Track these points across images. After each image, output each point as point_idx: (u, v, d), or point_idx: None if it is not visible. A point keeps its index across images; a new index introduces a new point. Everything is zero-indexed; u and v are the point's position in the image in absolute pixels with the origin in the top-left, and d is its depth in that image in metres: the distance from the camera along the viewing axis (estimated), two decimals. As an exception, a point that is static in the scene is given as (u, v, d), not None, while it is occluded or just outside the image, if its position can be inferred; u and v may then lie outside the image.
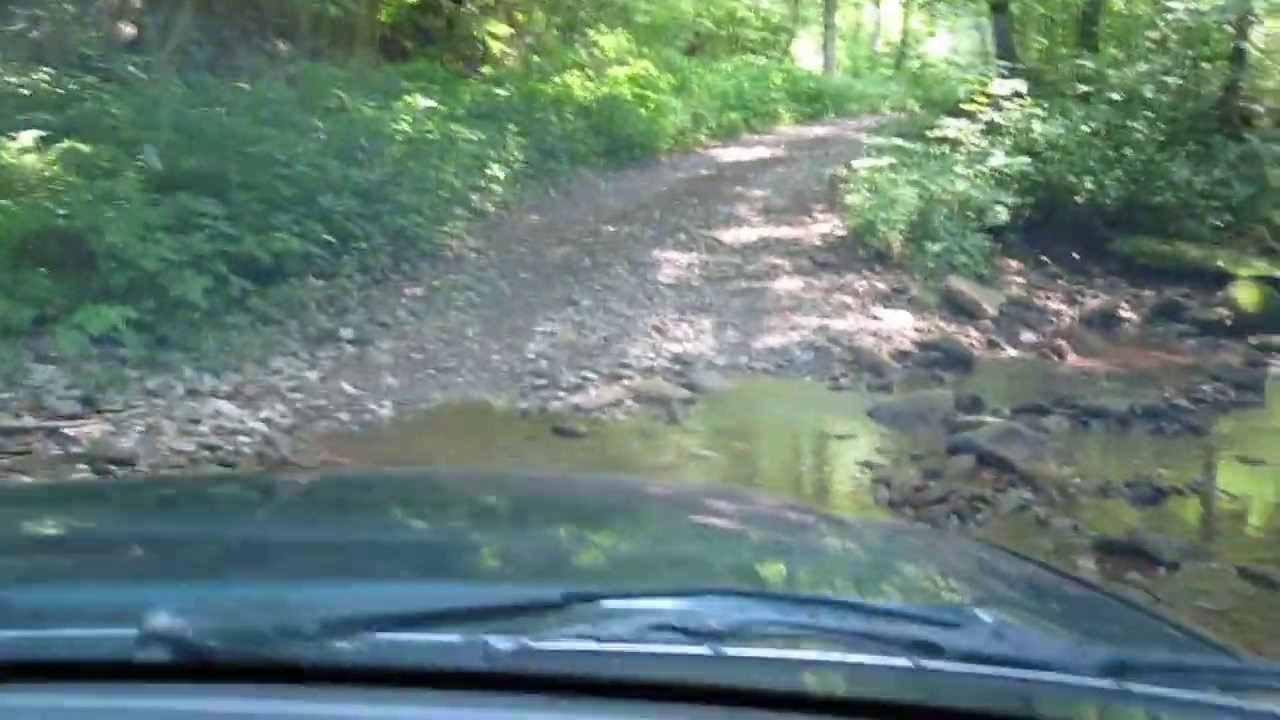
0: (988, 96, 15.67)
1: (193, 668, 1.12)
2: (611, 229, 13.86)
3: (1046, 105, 15.49)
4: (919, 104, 33.23)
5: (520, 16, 22.95)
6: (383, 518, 2.32)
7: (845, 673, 1.24)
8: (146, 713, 1.14)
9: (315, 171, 11.60)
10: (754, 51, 34.10)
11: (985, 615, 1.49)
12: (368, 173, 12.24)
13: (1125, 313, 12.77)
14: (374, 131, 13.33)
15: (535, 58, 21.88)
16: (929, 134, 15.59)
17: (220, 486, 3.09)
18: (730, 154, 21.03)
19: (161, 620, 1.13)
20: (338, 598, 1.45)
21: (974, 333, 11.48)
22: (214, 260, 9.40)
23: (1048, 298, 13.16)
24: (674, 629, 1.22)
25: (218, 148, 11.32)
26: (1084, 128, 15.03)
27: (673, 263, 12.62)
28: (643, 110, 20.61)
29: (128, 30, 18.64)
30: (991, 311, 11.89)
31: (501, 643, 1.15)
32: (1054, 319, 12.56)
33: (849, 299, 11.72)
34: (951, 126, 15.31)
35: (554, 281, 11.81)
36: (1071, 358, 11.02)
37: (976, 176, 13.90)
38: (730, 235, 13.81)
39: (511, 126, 16.23)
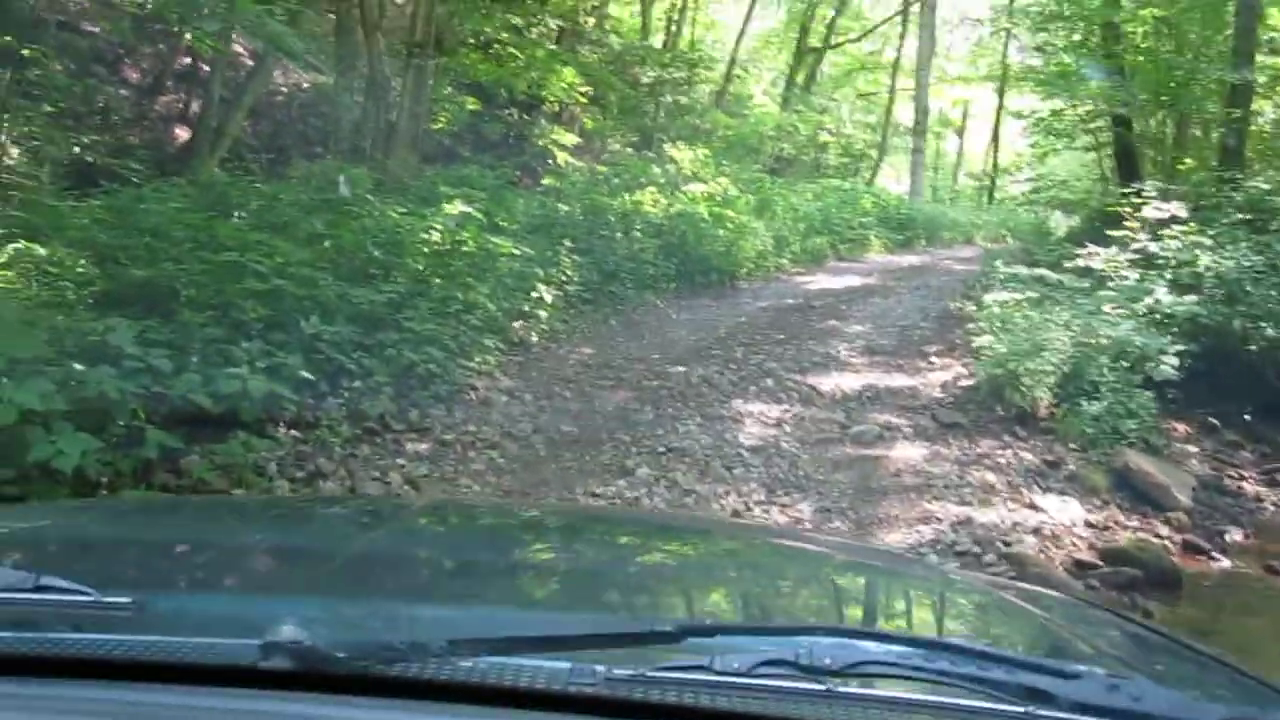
0: (1140, 221, 12.60)
1: (315, 678, 1.15)
2: (681, 370, 10.79)
3: (1212, 233, 12.39)
4: (1012, 236, 30.53)
5: (588, 123, 20.31)
6: (500, 544, 2.34)
7: (958, 716, 1.19)
8: (271, 715, 1.16)
9: (302, 287, 8.74)
10: (838, 177, 31.44)
11: (1099, 668, 1.38)
12: (374, 291, 9.35)
13: (1347, 500, 9.50)
14: (393, 240, 10.48)
15: (603, 169, 19.11)
16: (1067, 264, 12.53)
17: (339, 507, 3.29)
18: (818, 282, 18.05)
19: (286, 631, 1.17)
20: (460, 619, 1.49)
21: (1165, 530, 8.28)
22: (123, 407, 6.49)
23: (1241, 477, 9.93)
24: (788, 664, 1.21)
25: (175, 255, 8.55)
26: (1254, 259, 11.90)
27: (757, 418, 9.52)
28: (720, 231, 17.72)
29: (182, 134, 16.59)
30: (1183, 500, 8.68)
31: (618, 670, 1.17)
32: (1255, 507, 9.34)
33: (992, 476, 8.55)
34: (1097, 255, 12.23)
35: (604, 439, 8.75)
36: (1316, 576, 7.79)
37: (1131, 317, 10.80)
38: (828, 383, 10.69)
39: (567, 242, 13.34)
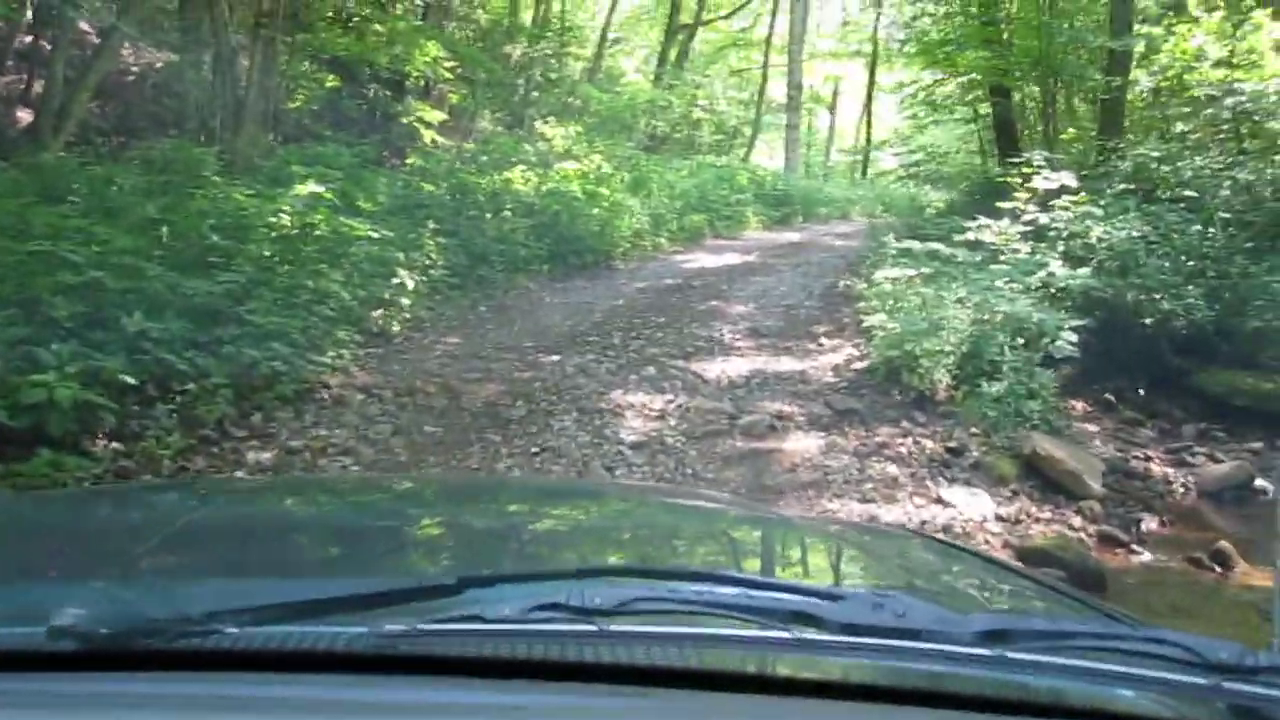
0: (1030, 192, 11.98)
1: (101, 656, 1.14)
2: (555, 359, 9.89)
3: (1102, 204, 11.81)
4: (888, 211, 30.11)
5: (453, 98, 19.25)
6: (294, 519, 2.29)
7: (725, 646, 1.22)
8: (61, 695, 1.14)
9: (125, 279, 7.69)
10: (713, 154, 30.73)
11: (866, 589, 1.54)
12: (211, 281, 8.32)
13: (1261, 480, 8.91)
14: (237, 225, 9.43)
15: (470, 147, 18.11)
16: (956, 238, 11.86)
17: (152, 493, 3.19)
18: (697, 260, 17.24)
19: (67, 616, 1.14)
20: (242, 590, 1.37)
21: (1079, 521, 7.60)
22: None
23: (1148, 457, 9.32)
24: (559, 606, 1.19)
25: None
26: (1144, 230, 11.36)
27: (639, 410, 8.65)
28: (595, 209, 16.84)
29: (25, 117, 15.21)
30: (1094, 487, 8.00)
31: (391, 626, 1.15)
32: (1165, 491, 8.73)
33: (894, 469, 7.79)
34: (988, 227, 11.57)
35: (472, 440, 7.82)
36: (1241, 568, 7.13)
37: (1026, 292, 10.15)
38: (714, 369, 9.87)
39: (431, 224, 12.36)
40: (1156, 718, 1.21)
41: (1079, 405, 10.11)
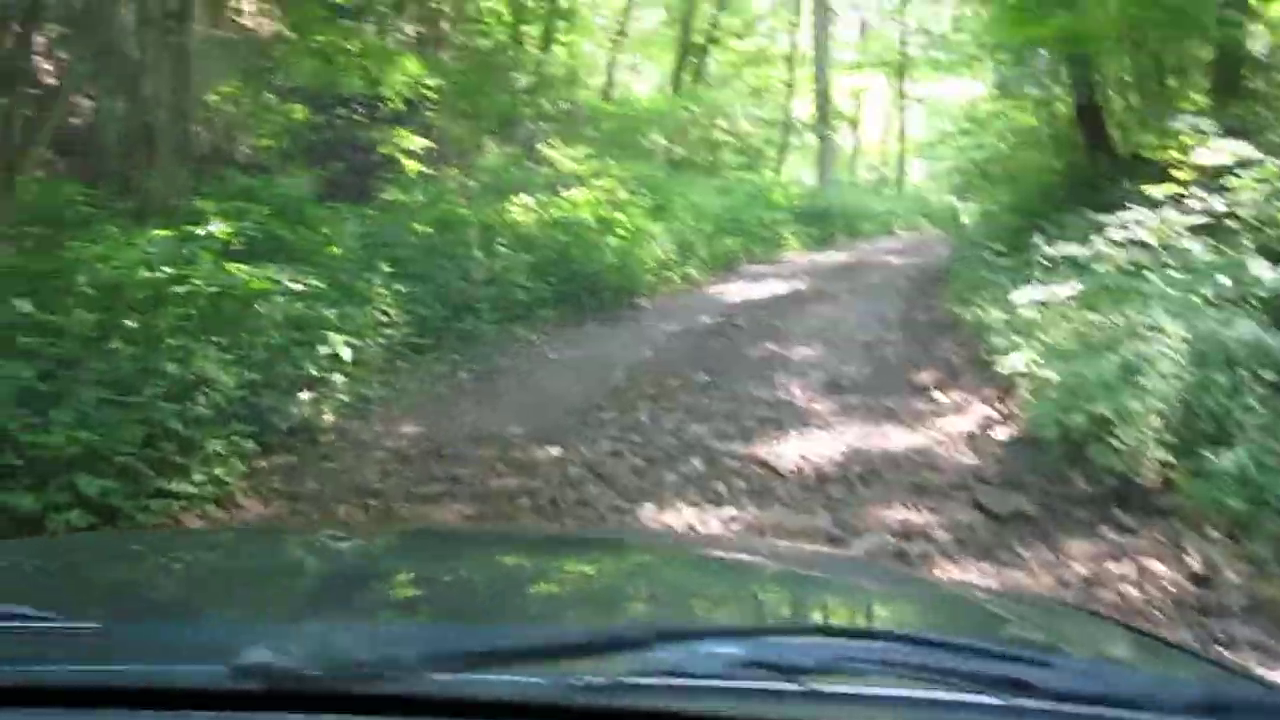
0: (1193, 168, 8.49)
1: (287, 698, 1.07)
2: (556, 454, 6.37)
3: (1296, 179, 8.31)
4: (930, 223, 26.59)
5: (433, 119, 15.87)
6: (469, 564, 2.15)
7: (938, 711, 1.12)
8: None
9: None
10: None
11: (1075, 654, 1.44)
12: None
13: None
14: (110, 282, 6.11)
15: (454, 174, 14.77)
16: (1094, 238, 8.38)
17: (305, 534, 3.06)
18: (737, 292, 13.85)
19: (255, 653, 1.08)
20: (433, 634, 1.37)
21: None
22: None
23: None
24: (764, 665, 1.12)
25: None
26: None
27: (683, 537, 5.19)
28: (611, 239, 13.47)
29: None
30: None
31: (593, 678, 1.09)
32: None
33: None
34: (1142, 221, 8.08)
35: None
36: None
37: (1219, 304, 6.67)
38: (789, 453, 6.32)
39: (384, 266, 8.94)
40: None
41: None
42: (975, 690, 1.11)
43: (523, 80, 21.26)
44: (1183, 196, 8.32)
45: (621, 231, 13.91)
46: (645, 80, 33.77)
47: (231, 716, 1.09)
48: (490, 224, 12.43)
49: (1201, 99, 11.04)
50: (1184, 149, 8.75)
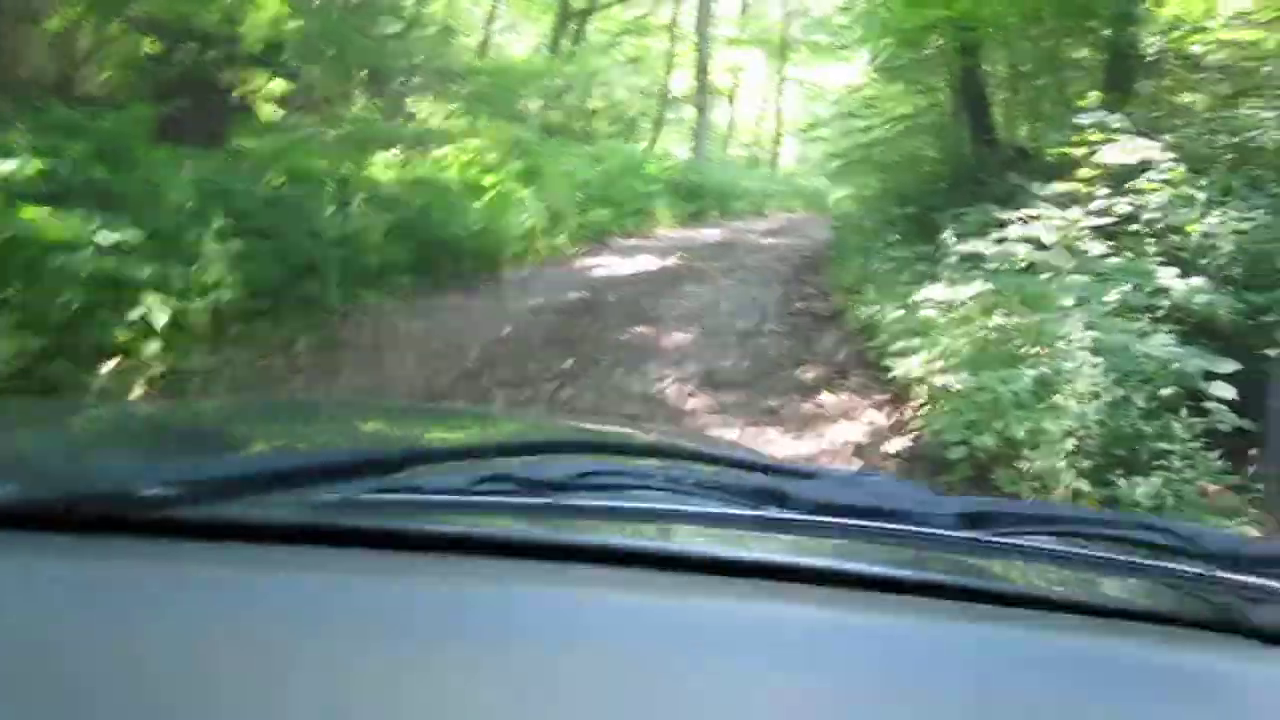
0: (1096, 168, 7.95)
1: (26, 518, 1.01)
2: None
3: (1203, 184, 7.81)
4: (804, 206, 26.10)
5: (297, 65, 14.70)
6: (243, 415, 2.14)
7: (686, 522, 1.09)
8: None
9: None
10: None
11: (837, 468, 1.67)
12: None
13: None
14: None
15: (310, 124, 13.67)
16: (993, 235, 7.78)
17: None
18: (607, 266, 13.03)
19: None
20: (167, 466, 1.25)
21: None
22: None
23: None
24: (507, 479, 1.09)
25: None
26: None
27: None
28: (478, 203, 12.57)
29: None
30: None
31: (327, 497, 1.06)
32: None
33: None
34: (1046, 220, 7.49)
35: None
36: None
37: (1127, 315, 6.09)
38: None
39: (217, 220, 7.91)
40: (1142, 605, 1.04)
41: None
42: (728, 502, 1.08)
43: (394, 29, 20.13)
44: (1085, 196, 7.80)
45: (490, 195, 13.01)
46: (523, 42, 32.71)
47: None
48: (348, 179, 11.44)
49: (1096, 95, 10.53)
50: (1087, 146, 8.22)
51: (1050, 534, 1.10)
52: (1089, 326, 5.48)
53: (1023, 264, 6.80)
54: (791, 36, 34.30)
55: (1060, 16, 12.77)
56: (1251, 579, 1.03)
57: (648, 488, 1.12)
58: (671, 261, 13.47)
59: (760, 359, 7.87)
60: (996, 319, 5.81)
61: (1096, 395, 5.02)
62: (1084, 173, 7.76)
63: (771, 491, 1.09)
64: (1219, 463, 5.09)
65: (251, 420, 2.05)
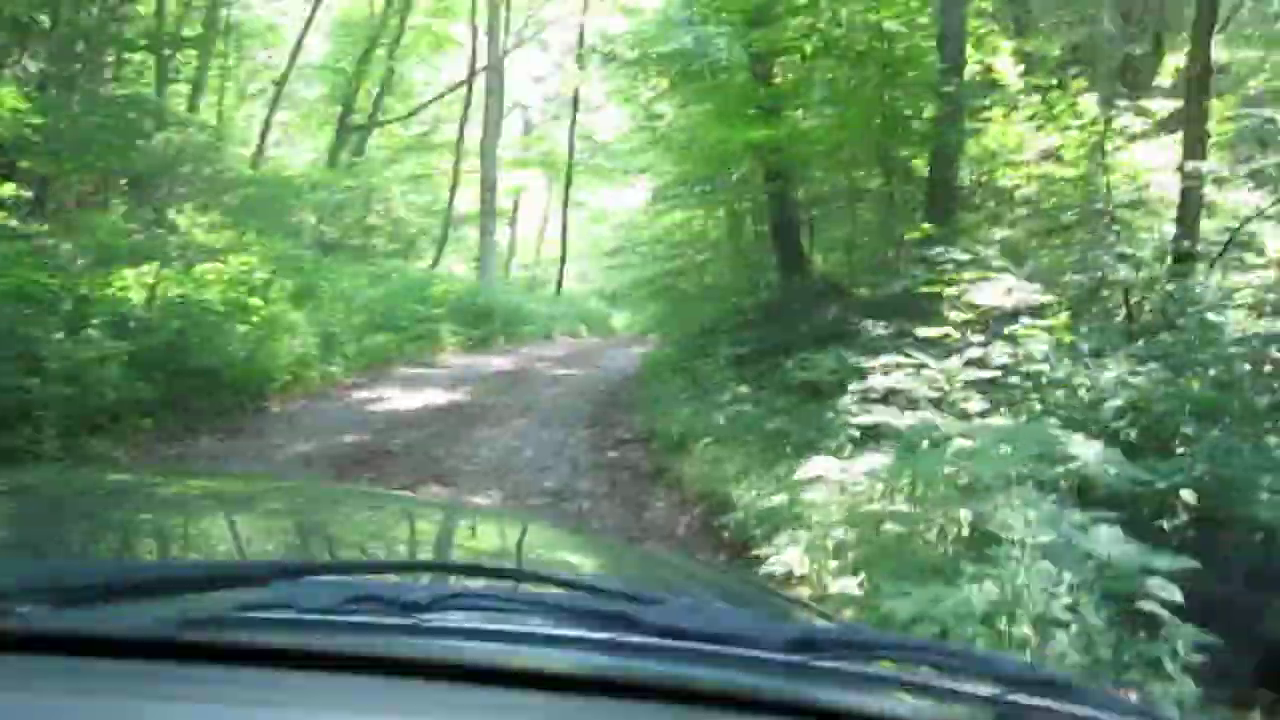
0: (968, 309, 6.87)
1: None
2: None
3: (1084, 331, 6.81)
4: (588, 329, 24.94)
5: (37, 169, 12.63)
6: (109, 512, 1.96)
7: (543, 644, 1.10)
8: None
9: None
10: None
11: (681, 596, 1.42)
12: None
13: None
14: None
15: (54, 233, 11.66)
16: (851, 386, 6.55)
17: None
18: (388, 400, 11.40)
19: None
20: (35, 569, 1.23)
21: None
22: None
23: None
24: (376, 599, 1.08)
25: None
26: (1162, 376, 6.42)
27: None
28: (241, 326, 10.82)
29: None
30: None
31: (197, 613, 1.02)
32: None
33: None
34: (926, 368, 6.30)
35: None
36: None
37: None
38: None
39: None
40: None
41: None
42: (581, 625, 1.10)
43: (159, 137, 18.14)
44: (954, 342, 6.69)
45: (255, 318, 11.27)
46: (301, 156, 30.93)
47: None
48: (87, 299, 9.59)
49: (926, 227, 9.59)
50: (949, 286, 7.15)
51: (870, 658, 1.13)
52: (1028, 519, 4.21)
53: (901, 426, 5.54)
54: (576, 160, 33.44)
55: (877, 136, 11.94)
56: (1038, 701, 1.09)
57: (509, 610, 1.12)
58: (461, 395, 11.92)
59: (579, 530, 6.39)
60: (900, 505, 4.50)
61: (1062, 624, 3.73)
62: (954, 315, 6.64)
63: (623, 616, 1.10)
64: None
65: (84, 503, 1.96)
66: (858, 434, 5.51)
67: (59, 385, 7.63)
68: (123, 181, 17.65)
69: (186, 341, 9.90)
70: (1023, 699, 1.09)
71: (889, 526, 4.37)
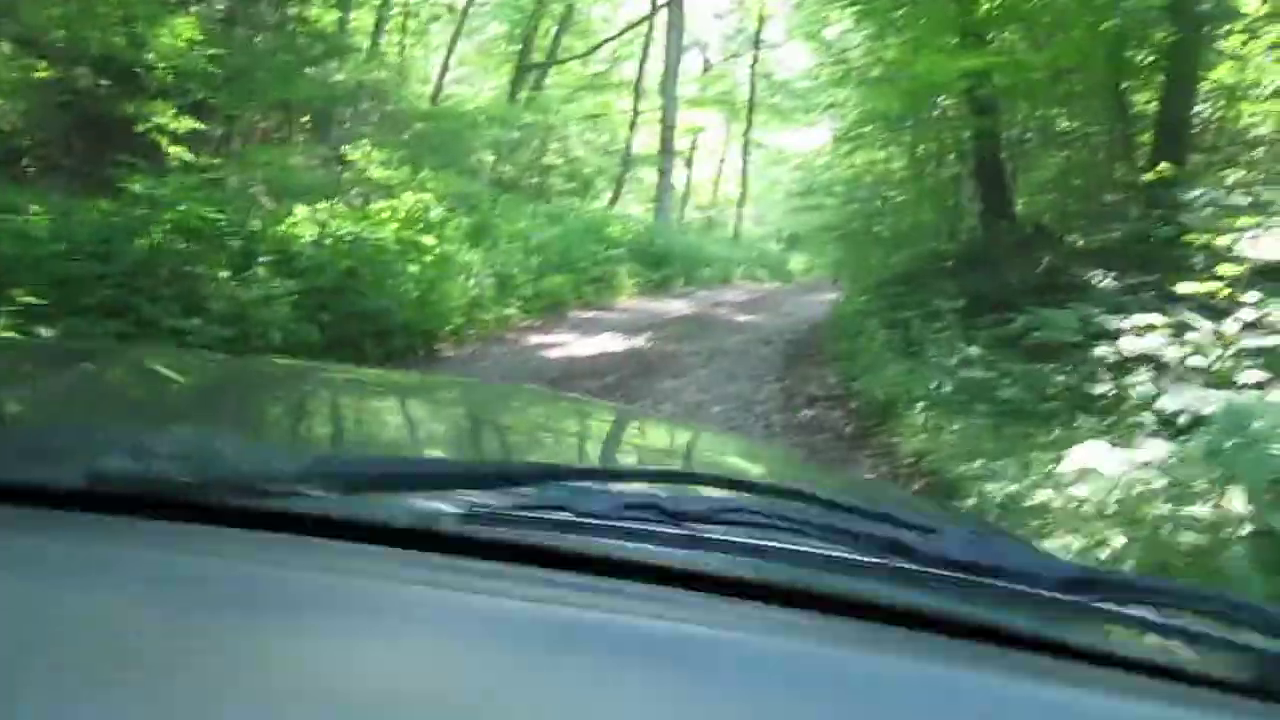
0: (1236, 264, 5.76)
1: (154, 505, 0.97)
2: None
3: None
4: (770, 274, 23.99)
5: (215, 102, 12.23)
6: (362, 401, 2.04)
7: (818, 565, 1.04)
8: (104, 543, 0.93)
9: None
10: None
11: (956, 525, 1.34)
12: None
13: None
14: None
15: (231, 168, 11.29)
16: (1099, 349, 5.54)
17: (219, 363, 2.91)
18: (563, 345, 10.74)
19: (114, 459, 0.98)
20: (319, 457, 1.15)
21: None
22: None
23: None
24: (651, 508, 1.04)
25: None
26: None
27: None
28: (414, 267, 10.26)
29: None
30: None
31: (479, 507, 1.01)
32: None
33: None
34: (1193, 335, 5.26)
35: None
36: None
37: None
38: None
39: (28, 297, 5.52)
40: (1223, 679, 0.98)
41: None
42: (854, 548, 1.04)
43: (340, 74, 17.77)
44: (1222, 301, 5.62)
45: (429, 258, 10.70)
46: (481, 95, 30.57)
47: (93, 521, 0.95)
48: (256, 235, 9.12)
49: (1166, 166, 8.38)
50: (1219, 232, 6.04)
51: (1150, 603, 1.04)
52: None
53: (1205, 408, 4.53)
54: (755, 99, 32.32)
55: (1102, 70, 10.66)
56: None
57: (782, 528, 1.06)
58: (641, 342, 11.17)
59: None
60: (1198, 508, 3.53)
61: None
62: (1226, 269, 5.54)
63: (898, 543, 1.03)
64: None
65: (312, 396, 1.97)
66: (1148, 414, 4.49)
67: (219, 326, 7.11)
68: (304, 119, 17.44)
69: (357, 281, 9.38)
70: None
71: (1187, 537, 3.42)
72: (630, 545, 1.00)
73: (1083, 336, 5.70)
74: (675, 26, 24.72)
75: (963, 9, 11.00)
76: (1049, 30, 10.96)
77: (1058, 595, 1.01)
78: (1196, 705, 0.94)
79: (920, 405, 6.34)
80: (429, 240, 10.93)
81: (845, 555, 1.04)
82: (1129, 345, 5.37)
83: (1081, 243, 10.65)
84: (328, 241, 9.68)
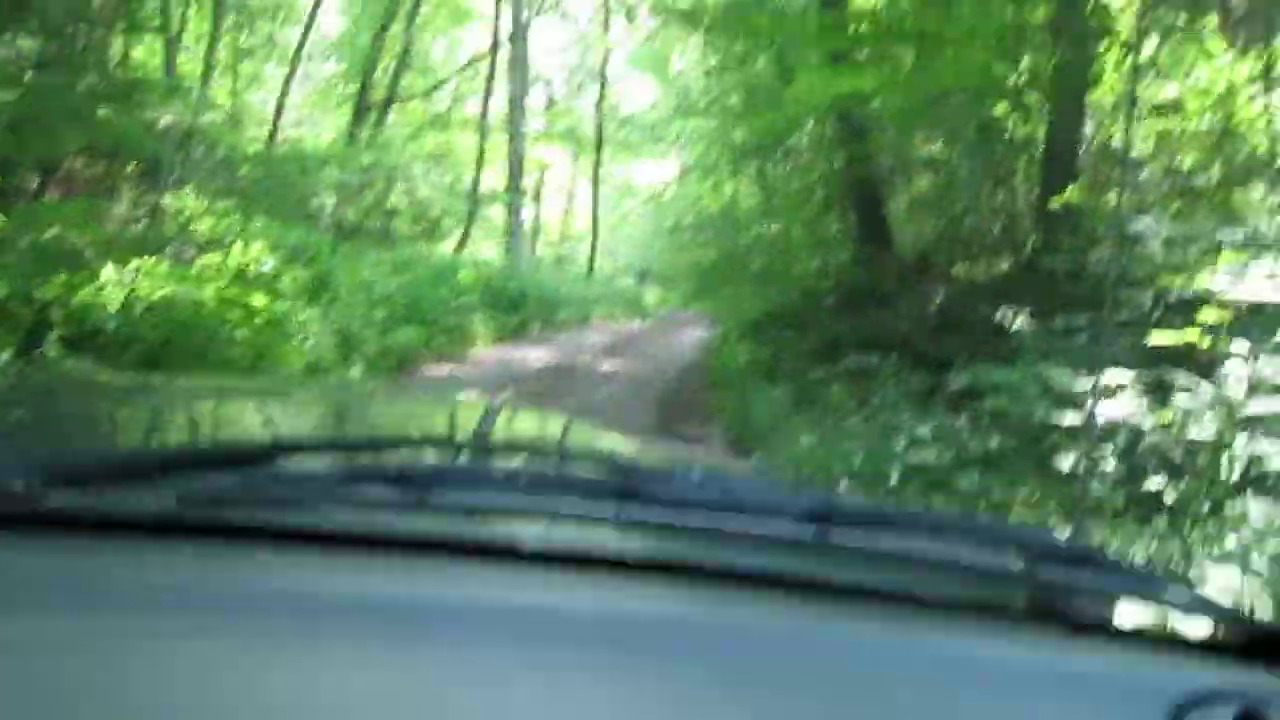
0: (1221, 308, 4.80)
1: None
2: None
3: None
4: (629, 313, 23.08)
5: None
6: (121, 407, 1.91)
7: (546, 520, 1.04)
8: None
9: None
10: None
11: (692, 467, 1.36)
12: None
13: None
14: None
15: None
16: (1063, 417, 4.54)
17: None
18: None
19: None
20: (38, 456, 1.15)
21: None
22: None
23: None
24: (375, 477, 1.03)
25: None
26: None
27: None
28: (241, 330, 8.92)
29: None
30: None
31: (194, 493, 0.97)
32: None
33: None
34: (1181, 399, 4.29)
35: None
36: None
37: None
38: None
39: None
40: (965, 600, 1.02)
41: None
42: (584, 499, 1.05)
43: (168, 117, 16.14)
44: (1203, 354, 4.68)
45: (258, 320, 9.35)
46: (320, 137, 29.05)
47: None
48: (48, 306, 7.70)
49: (1075, 190, 7.54)
50: (1178, 271, 5.15)
51: (896, 531, 1.06)
52: None
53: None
54: (604, 133, 31.43)
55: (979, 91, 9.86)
56: (1066, 574, 1.04)
57: (510, 486, 1.08)
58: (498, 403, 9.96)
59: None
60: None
61: None
62: (1208, 314, 4.57)
63: (629, 490, 1.04)
64: None
65: (96, 400, 1.91)
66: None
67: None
68: (128, 168, 15.81)
69: (174, 353, 8.00)
70: (1055, 574, 1.03)
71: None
72: (345, 517, 0.97)
73: (1046, 405, 4.70)
74: (519, 60, 23.62)
75: (832, 24, 10.15)
76: (926, 50, 10.16)
77: (800, 527, 0.99)
78: (942, 629, 0.92)
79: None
80: (259, 300, 9.56)
81: (569, 509, 1.01)
82: (1109, 410, 4.40)
83: (972, 276, 9.84)
84: (138, 309, 8.27)
